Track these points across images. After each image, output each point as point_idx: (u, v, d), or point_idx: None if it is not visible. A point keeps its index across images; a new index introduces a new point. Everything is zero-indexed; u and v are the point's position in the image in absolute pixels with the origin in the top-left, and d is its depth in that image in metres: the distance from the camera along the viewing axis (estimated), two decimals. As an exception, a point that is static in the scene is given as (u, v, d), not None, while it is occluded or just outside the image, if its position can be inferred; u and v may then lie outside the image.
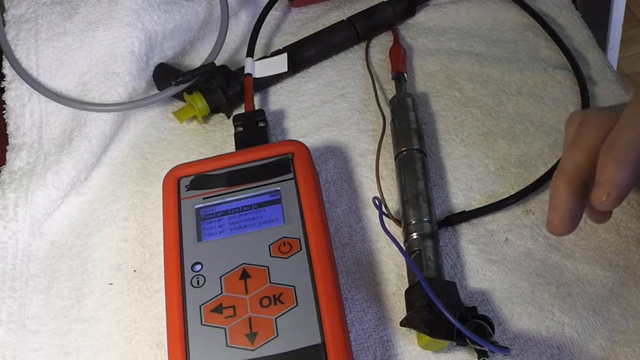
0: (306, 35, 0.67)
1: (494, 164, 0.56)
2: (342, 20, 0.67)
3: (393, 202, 0.55)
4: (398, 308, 0.49)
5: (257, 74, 0.63)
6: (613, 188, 0.35)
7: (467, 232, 0.52)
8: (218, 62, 0.63)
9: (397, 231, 0.52)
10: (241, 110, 0.62)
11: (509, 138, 0.58)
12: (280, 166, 0.52)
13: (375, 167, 0.56)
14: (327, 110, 0.62)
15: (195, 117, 0.62)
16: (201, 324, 0.44)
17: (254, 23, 0.67)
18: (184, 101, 0.63)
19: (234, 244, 0.48)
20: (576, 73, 0.61)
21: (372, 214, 0.54)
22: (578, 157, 0.39)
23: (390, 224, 0.52)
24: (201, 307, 0.45)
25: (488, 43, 0.66)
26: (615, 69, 0.65)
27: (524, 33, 0.66)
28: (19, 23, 0.61)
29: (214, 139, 0.62)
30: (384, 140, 0.57)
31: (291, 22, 0.72)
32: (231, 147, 0.60)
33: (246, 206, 0.50)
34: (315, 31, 0.67)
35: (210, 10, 0.67)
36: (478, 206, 0.53)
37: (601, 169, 0.36)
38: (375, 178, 0.55)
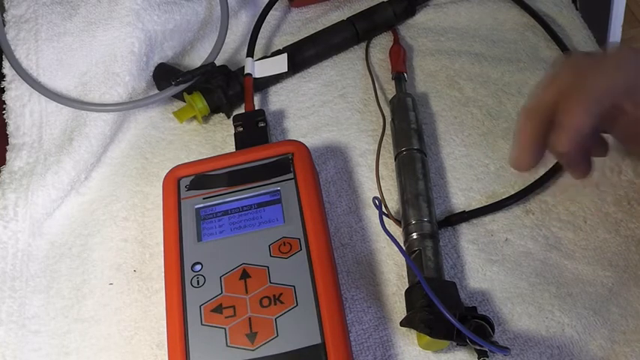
0: (306, 35, 0.67)
1: (494, 164, 0.56)
2: (342, 20, 0.67)
3: (393, 202, 0.54)
4: (398, 308, 0.49)
5: (257, 74, 0.63)
6: (571, 130, 0.36)
7: (467, 232, 0.52)
8: (218, 62, 0.63)
9: (397, 231, 0.52)
10: (241, 110, 0.62)
11: (509, 138, 0.58)
12: (280, 166, 0.52)
13: (375, 167, 0.56)
14: (327, 110, 0.62)
15: (195, 117, 0.62)
16: (201, 324, 0.44)
17: (254, 23, 0.67)
18: (184, 101, 0.63)
19: (234, 244, 0.48)
20: (576, 73, 0.61)
21: (372, 214, 0.54)
22: (550, 97, 0.39)
23: (390, 224, 0.52)
24: (201, 307, 0.45)
25: (488, 43, 0.65)
26: (615, 69, 0.65)
27: (524, 33, 0.66)
28: (19, 23, 0.61)
29: (214, 139, 0.62)
30: (384, 140, 0.57)
31: (291, 22, 0.71)
32: (231, 147, 0.60)
33: (246, 206, 0.50)
34: (315, 31, 0.67)
35: (210, 10, 0.67)
36: (478, 206, 0.53)
37: (564, 111, 0.37)
38: (375, 178, 0.55)
